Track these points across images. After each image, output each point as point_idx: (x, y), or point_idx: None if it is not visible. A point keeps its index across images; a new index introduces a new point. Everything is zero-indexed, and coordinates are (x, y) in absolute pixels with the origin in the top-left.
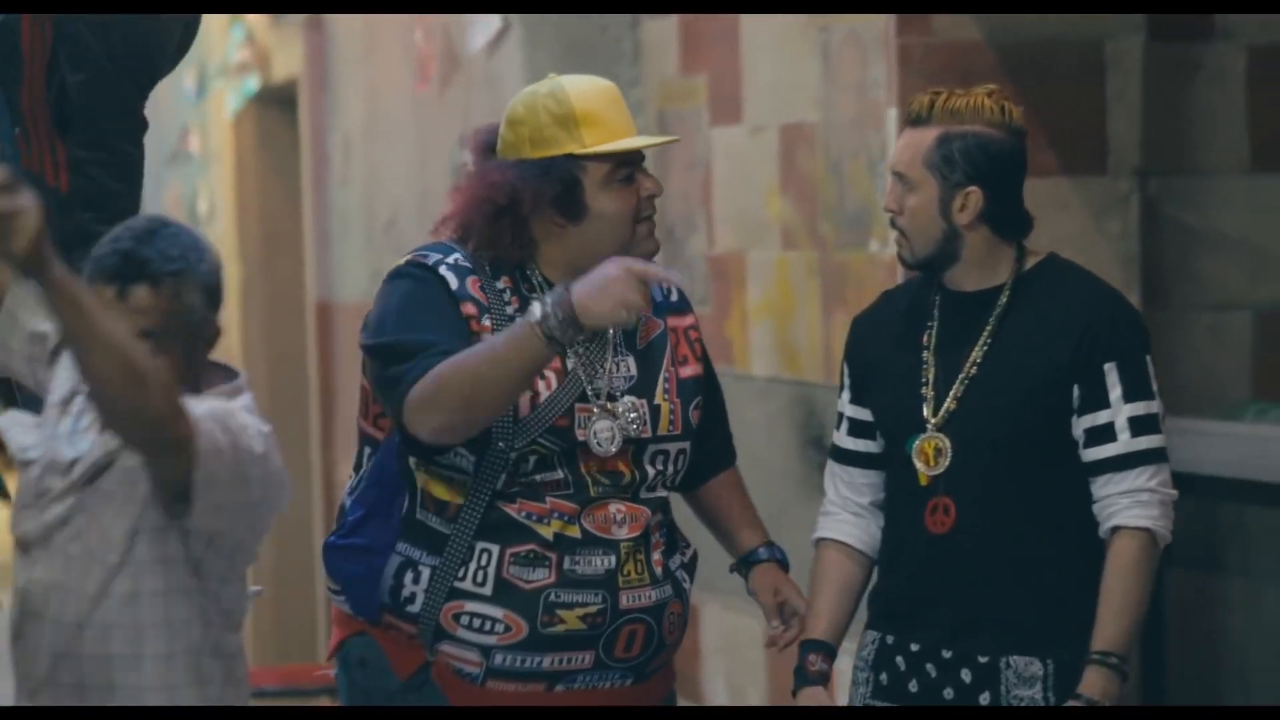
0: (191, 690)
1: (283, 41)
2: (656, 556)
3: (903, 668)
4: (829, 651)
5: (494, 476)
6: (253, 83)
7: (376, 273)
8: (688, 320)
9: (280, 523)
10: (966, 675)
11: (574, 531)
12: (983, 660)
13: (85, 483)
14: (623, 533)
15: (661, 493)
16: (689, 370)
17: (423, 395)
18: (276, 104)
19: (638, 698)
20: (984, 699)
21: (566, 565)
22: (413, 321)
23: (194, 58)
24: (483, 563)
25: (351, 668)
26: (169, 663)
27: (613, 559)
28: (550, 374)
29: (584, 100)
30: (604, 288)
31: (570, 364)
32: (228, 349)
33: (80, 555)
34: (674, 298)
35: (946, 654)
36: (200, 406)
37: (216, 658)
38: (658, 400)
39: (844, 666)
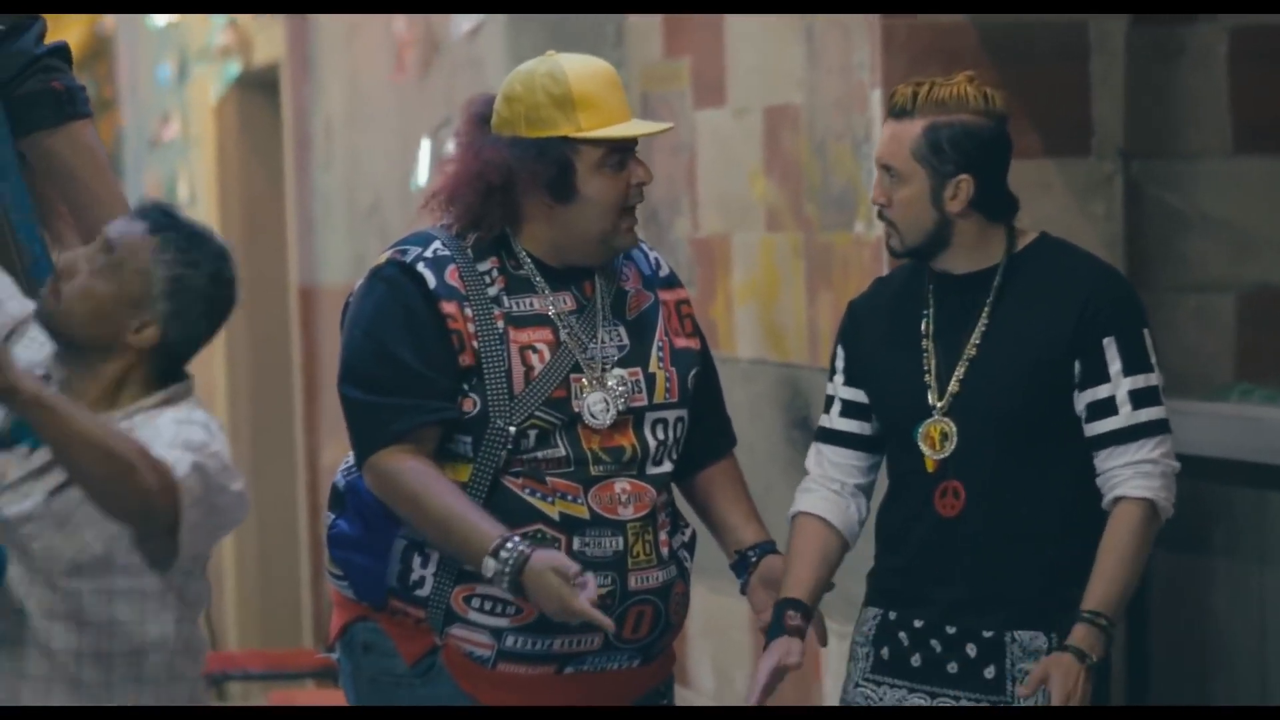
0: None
1: (264, 26)
2: (663, 537)
3: (906, 643)
4: (806, 611)
5: (495, 455)
6: (234, 67)
7: (359, 257)
8: (679, 294)
9: (264, 507)
10: (972, 650)
11: (581, 511)
12: (988, 635)
13: (58, 487)
14: (629, 513)
15: (667, 467)
16: (684, 342)
17: (381, 479)
18: (259, 88)
19: (645, 679)
20: (989, 673)
21: (576, 547)
22: (384, 357)
23: (175, 43)
24: None
25: (356, 653)
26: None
27: (620, 540)
28: (543, 347)
29: (582, 82)
30: (556, 606)
31: (562, 335)
32: None
33: (44, 553)
34: (664, 272)
35: (951, 630)
36: (176, 440)
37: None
38: (652, 369)
39: (840, 649)
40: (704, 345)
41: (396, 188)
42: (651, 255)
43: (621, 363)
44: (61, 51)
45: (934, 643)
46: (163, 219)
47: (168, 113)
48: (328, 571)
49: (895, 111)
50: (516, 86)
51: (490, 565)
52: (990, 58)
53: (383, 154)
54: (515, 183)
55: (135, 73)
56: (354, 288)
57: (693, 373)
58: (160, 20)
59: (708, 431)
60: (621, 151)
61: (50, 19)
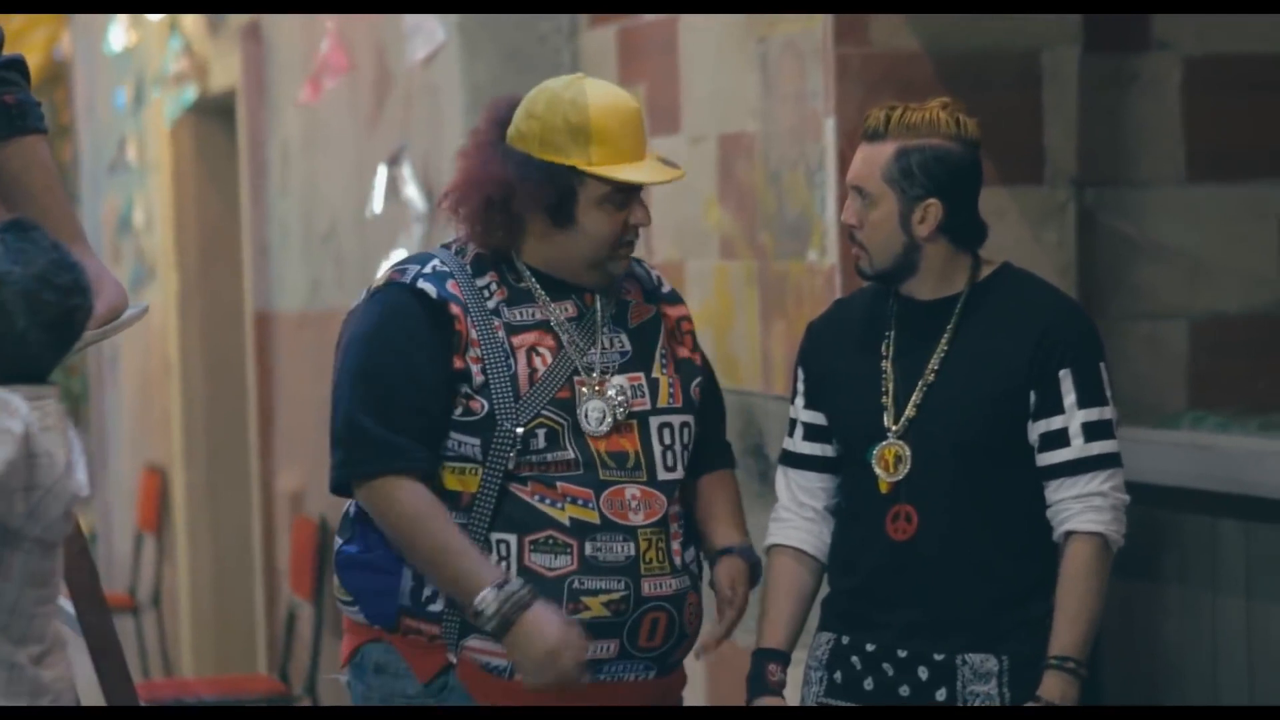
0: None
1: (220, 52)
2: (675, 546)
3: (858, 666)
4: (785, 661)
5: (504, 458)
6: (190, 93)
7: (315, 282)
8: (681, 311)
9: (219, 533)
10: (923, 673)
11: (591, 516)
12: (939, 658)
13: None
14: (639, 519)
15: (678, 474)
16: (685, 353)
17: (373, 501)
18: (214, 114)
19: (660, 692)
20: (940, 695)
21: (588, 551)
22: (384, 384)
23: (132, 68)
24: (503, 554)
25: (367, 674)
26: None
27: (632, 545)
28: (545, 351)
29: (602, 116)
30: (547, 652)
31: (565, 340)
32: (166, 359)
33: None
34: (665, 289)
35: (902, 653)
36: None
37: None
38: (655, 374)
39: (794, 675)
40: (707, 365)
41: (352, 214)
42: (653, 273)
43: (624, 368)
44: (17, 64)
45: (886, 666)
46: (8, 226)
47: (124, 138)
48: (337, 598)
49: (868, 134)
50: (539, 105)
51: (489, 596)
52: (944, 86)
53: (339, 180)
54: (513, 199)
55: (92, 98)
56: (351, 309)
57: (695, 382)
58: (117, 45)
59: (712, 449)
60: (626, 191)
61: (8, 40)
